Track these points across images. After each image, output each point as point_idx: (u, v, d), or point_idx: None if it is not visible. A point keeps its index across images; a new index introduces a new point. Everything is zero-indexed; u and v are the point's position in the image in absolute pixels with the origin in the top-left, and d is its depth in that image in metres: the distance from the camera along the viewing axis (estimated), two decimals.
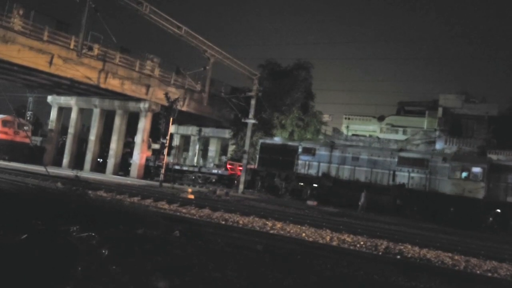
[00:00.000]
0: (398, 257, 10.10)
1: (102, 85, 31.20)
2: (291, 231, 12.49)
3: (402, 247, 11.36)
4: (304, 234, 12.09)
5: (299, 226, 13.38)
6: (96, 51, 30.09)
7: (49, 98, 39.32)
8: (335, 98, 59.44)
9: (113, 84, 31.71)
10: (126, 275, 4.87)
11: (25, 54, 26.34)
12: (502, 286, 7.30)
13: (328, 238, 11.88)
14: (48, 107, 40.40)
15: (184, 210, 14.64)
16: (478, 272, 9.33)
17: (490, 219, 21.47)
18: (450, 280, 7.37)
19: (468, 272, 9.07)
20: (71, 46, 28.45)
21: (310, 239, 11.34)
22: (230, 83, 39.67)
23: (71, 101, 37.75)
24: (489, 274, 9.18)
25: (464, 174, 22.61)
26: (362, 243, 11.53)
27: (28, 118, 53.39)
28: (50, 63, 27.90)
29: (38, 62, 27.25)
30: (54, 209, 7.93)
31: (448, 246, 11.91)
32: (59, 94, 37.91)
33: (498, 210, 21.73)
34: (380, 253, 10.27)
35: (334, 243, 11.16)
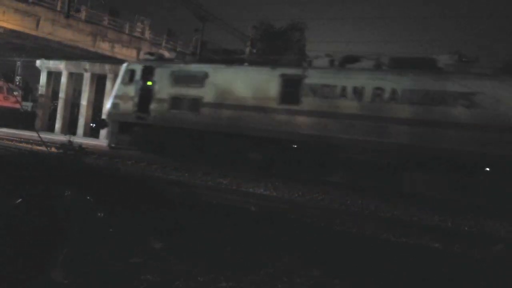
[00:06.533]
0: (388, 215, 10.36)
1: (91, 49, 30.56)
2: (286, 191, 12.70)
3: (393, 207, 11.60)
4: (297, 195, 12.32)
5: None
6: (84, 13, 29.30)
7: (38, 62, 38.52)
8: None
9: (103, 47, 31.06)
10: (123, 237, 4.97)
11: (10, 16, 25.61)
12: (486, 240, 7.58)
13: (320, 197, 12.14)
14: (38, 71, 39.69)
15: (179, 173, 14.73)
16: (466, 228, 9.63)
17: None
18: (438, 235, 7.61)
19: (455, 229, 9.36)
20: (58, 8, 27.66)
21: (303, 199, 11.55)
22: (223, 46, 38.99)
23: (60, 65, 37.04)
24: (473, 230, 9.48)
25: None
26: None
27: (17, 83, 52.47)
28: (37, 26, 27.19)
29: (25, 25, 26.53)
30: (49, 174, 7.95)
31: (436, 205, 12.18)
32: (48, 58, 37.16)
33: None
34: (372, 212, 10.52)
35: (326, 202, 11.39)
